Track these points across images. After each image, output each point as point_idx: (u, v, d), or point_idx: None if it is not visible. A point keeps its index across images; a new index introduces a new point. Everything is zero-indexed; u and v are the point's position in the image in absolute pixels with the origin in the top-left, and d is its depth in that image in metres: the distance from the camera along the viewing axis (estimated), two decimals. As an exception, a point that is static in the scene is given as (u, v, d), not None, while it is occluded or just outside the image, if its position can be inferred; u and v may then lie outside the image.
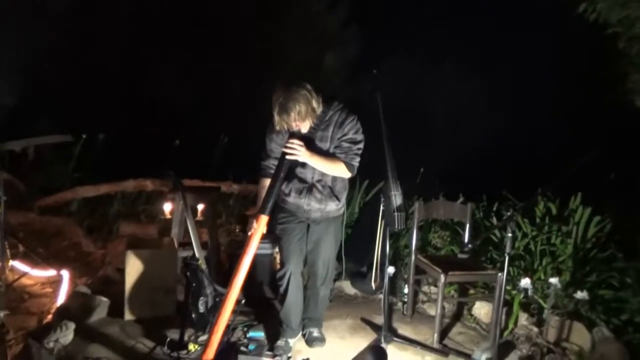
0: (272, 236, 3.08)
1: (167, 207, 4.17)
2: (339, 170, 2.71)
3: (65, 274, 3.78)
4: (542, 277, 3.49)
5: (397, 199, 2.64)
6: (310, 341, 3.00)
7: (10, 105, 3.43)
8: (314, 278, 2.96)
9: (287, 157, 2.55)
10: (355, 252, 3.95)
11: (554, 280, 3.15)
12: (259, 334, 3.08)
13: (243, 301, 3.38)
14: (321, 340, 3.02)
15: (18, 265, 3.84)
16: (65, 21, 7.68)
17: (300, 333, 3.06)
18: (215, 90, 8.18)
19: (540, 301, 3.33)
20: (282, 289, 2.89)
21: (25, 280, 3.78)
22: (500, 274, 3.02)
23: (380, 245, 3.03)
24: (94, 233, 4.87)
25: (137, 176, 5.21)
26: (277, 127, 2.62)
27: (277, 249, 2.93)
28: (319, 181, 2.77)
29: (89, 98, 7.35)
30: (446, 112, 9.32)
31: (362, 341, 3.11)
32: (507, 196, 4.35)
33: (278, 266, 2.99)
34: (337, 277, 4.07)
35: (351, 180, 3.89)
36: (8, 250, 3.61)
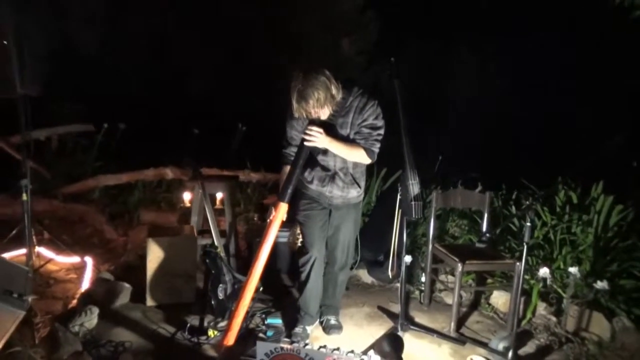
0: (292, 224, 3.10)
1: (187, 195, 4.23)
2: (359, 156, 2.68)
3: (89, 260, 3.88)
4: (562, 266, 3.46)
5: (414, 187, 2.64)
6: (327, 328, 3.03)
7: (34, 95, 3.49)
8: (332, 263, 2.98)
9: (306, 143, 2.55)
10: (372, 241, 3.96)
11: (573, 269, 3.11)
12: (277, 321, 3.13)
13: (261, 288, 3.42)
14: (338, 327, 3.05)
15: (44, 251, 3.94)
16: (89, 10, 7.81)
17: (318, 321, 3.09)
18: (234, 79, 8.21)
19: (559, 290, 3.31)
20: (303, 275, 2.90)
21: (50, 266, 3.88)
22: (518, 264, 3.00)
23: (397, 234, 3.03)
24: (115, 220, 4.97)
25: (157, 165, 5.29)
26: (296, 115, 2.61)
27: (298, 236, 2.95)
28: (341, 169, 2.77)
29: (112, 88, 7.46)
30: (464, 99, 9.20)
31: (379, 329, 3.14)
32: (527, 184, 4.31)
33: (299, 253, 3.01)
34: (354, 266, 4.09)
35: (369, 168, 3.88)
36: (34, 237, 3.71)
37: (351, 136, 2.68)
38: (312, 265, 2.86)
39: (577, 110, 8.03)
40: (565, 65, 8.61)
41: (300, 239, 2.91)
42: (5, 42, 3.21)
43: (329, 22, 8.49)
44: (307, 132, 2.53)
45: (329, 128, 2.62)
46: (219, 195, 4.06)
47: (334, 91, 2.57)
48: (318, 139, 2.53)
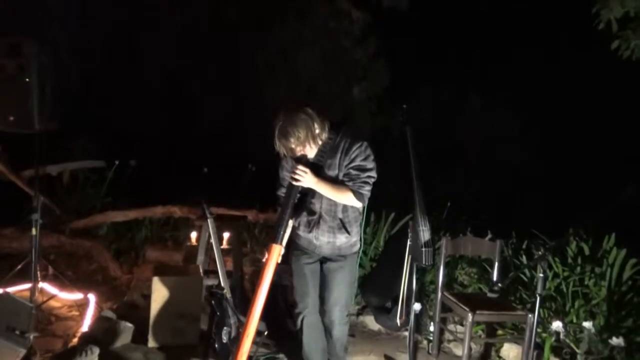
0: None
1: (194, 234, 4.22)
2: (347, 199, 2.59)
3: (92, 297, 3.84)
4: (575, 320, 3.37)
5: (425, 234, 2.62)
6: None
7: (52, 130, 3.56)
8: (328, 319, 2.81)
9: (293, 182, 2.51)
10: (379, 287, 3.90)
11: (587, 324, 3.03)
12: (281, 367, 3.04)
13: (265, 332, 3.35)
14: None
15: (47, 287, 3.91)
16: (102, 46, 8.07)
17: None
18: (245, 119, 8.34)
19: (573, 345, 3.21)
20: (299, 328, 2.83)
21: (52, 303, 3.84)
22: (530, 315, 2.93)
23: (406, 281, 2.98)
24: (121, 257, 4.94)
25: (165, 202, 5.29)
26: (281, 154, 2.58)
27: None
28: (327, 211, 2.67)
29: (124, 125, 7.61)
30: (475, 147, 9.26)
31: (385, 379, 3.04)
32: (537, 234, 4.26)
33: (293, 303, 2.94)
34: (361, 312, 4.01)
35: (376, 213, 3.86)
36: (38, 272, 3.68)
37: (340, 177, 2.62)
38: (302, 322, 2.79)
39: (587, 159, 8.06)
40: (578, 116, 8.72)
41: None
42: (28, 79, 3.30)
43: (340, 68, 8.69)
44: (294, 171, 2.51)
45: (317, 169, 2.57)
46: (226, 235, 4.05)
47: (316, 130, 2.53)
48: (304, 178, 2.48)
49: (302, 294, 2.78)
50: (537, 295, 2.52)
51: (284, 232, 2.56)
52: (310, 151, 2.59)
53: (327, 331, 2.87)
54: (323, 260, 2.77)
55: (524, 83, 9.38)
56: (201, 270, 3.65)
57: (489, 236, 3.62)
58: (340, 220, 2.67)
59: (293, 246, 2.84)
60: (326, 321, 2.84)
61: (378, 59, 8.80)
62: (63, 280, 3.99)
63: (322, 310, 2.82)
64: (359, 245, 2.80)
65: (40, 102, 3.40)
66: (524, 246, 4.29)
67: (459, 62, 9.64)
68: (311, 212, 2.70)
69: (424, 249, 2.60)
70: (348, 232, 2.69)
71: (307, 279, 2.77)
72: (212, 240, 3.22)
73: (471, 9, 9.58)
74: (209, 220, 3.23)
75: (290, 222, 2.68)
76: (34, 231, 3.49)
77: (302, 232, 2.76)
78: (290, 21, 8.46)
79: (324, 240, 2.70)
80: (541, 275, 2.50)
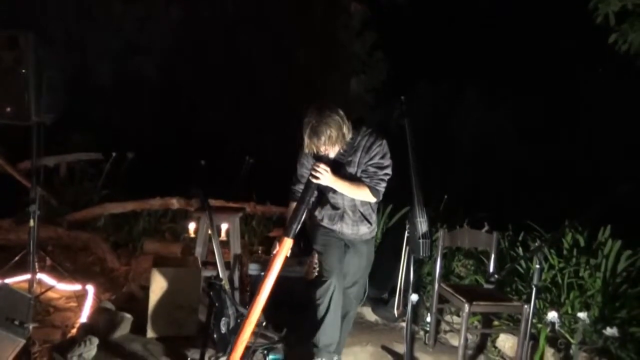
0: (305, 257, 3.11)
1: (192, 226, 4.23)
2: (364, 195, 2.72)
3: (90, 288, 3.85)
4: (570, 311, 3.40)
5: (422, 226, 2.63)
6: None
7: (47, 123, 3.55)
8: (347, 299, 2.91)
9: (312, 180, 2.57)
10: (377, 278, 3.91)
11: (582, 315, 3.06)
12: (278, 357, 3.06)
13: (264, 323, 3.37)
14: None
15: (45, 278, 3.91)
16: (100, 39, 8.03)
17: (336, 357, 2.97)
18: (244, 112, 8.34)
19: (568, 336, 3.24)
20: (322, 307, 2.74)
21: (51, 294, 3.85)
22: (526, 306, 2.96)
23: (404, 272, 3.00)
24: (119, 249, 4.95)
25: (163, 194, 5.30)
26: (307, 150, 2.65)
27: (315, 266, 2.88)
28: (350, 207, 2.80)
29: (122, 118, 7.59)
30: (472, 140, 9.28)
31: (382, 370, 3.07)
32: (533, 226, 4.28)
33: (314, 284, 2.89)
34: (360, 302, 4.03)
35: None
36: (36, 263, 3.69)
37: (358, 174, 2.72)
38: (332, 295, 2.75)
39: (584, 154, 8.10)
40: (573, 112, 8.74)
41: (317, 269, 2.86)
42: (24, 70, 3.29)
43: (338, 62, 8.68)
44: (314, 169, 2.56)
45: (336, 166, 2.66)
46: (224, 227, 4.06)
47: (345, 131, 2.62)
48: (324, 176, 2.55)
49: (331, 268, 2.76)
50: (532, 286, 2.54)
51: (297, 226, 2.60)
52: (334, 150, 2.66)
53: (343, 306, 2.89)
54: (347, 243, 2.89)
55: (522, 78, 9.39)
56: (199, 262, 3.66)
57: (486, 228, 3.64)
58: (361, 213, 2.83)
59: (318, 229, 2.89)
60: (344, 297, 2.90)
61: (376, 53, 8.79)
62: (61, 271, 4.00)
63: (344, 292, 2.89)
64: (376, 230, 3.00)
65: (37, 94, 3.39)
66: (520, 238, 4.32)
67: (457, 57, 9.64)
68: (334, 207, 2.82)
69: (421, 241, 2.62)
70: (370, 223, 2.87)
71: (335, 254, 2.81)
72: (210, 232, 3.24)
73: (470, 3, 9.57)
74: (207, 212, 3.24)
75: (303, 217, 2.69)
76: (31, 223, 3.49)
77: (325, 224, 2.86)
78: (289, 14, 8.44)
79: (348, 232, 2.84)
80: (537, 266, 2.52)
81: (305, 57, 8.44)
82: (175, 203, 5.27)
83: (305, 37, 8.44)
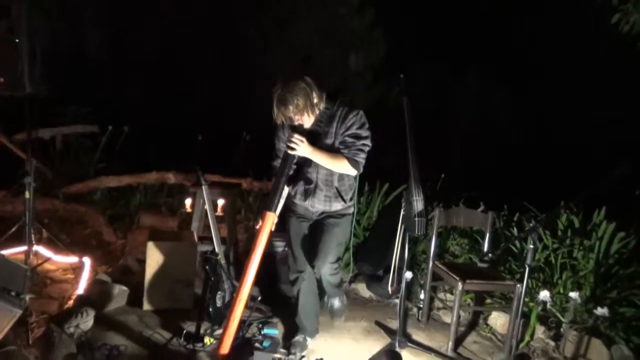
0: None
1: (188, 201, 4.22)
2: (343, 166, 2.63)
3: (87, 261, 3.86)
4: (562, 290, 3.44)
5: (418, 204, 2.64)
6: (332, 313, 3.20)
7: (42, 95, 3.50)
8: (318, 273, 2.88)
9: (289, 151, 2.53)
10: (372, 255, 3.95)
11: (574, 294, 3.10)
12: (274, 331, 3.10)
13: (259, 298, 3.40)
14: (342, 310, 3.24)
15: (42, 250, 3.92)
16: (100, 12, 7.90)
17: (318, 334, 3.08)
18: (242, 89, 8.26)
19: (559, 315, 3.29)
20: (295, 293, 2.91)
21: (47, 266, 3.86)
22: (519, 285, 2.99)
23: (399, 250, 3.02)
24: (115, 223, 4.95)
25: (160, 169, 5.28)
26: (278, 121, 2.61)
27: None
28: (324, 181, 2.73)
29: (118, 91, 7.51)
30: (470, 120, 9.25)
31: (375, 344, 3.12)
32: (529, 207, 4.30)
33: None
34: (353, 279, 4.07)
35: (371, 183, 3.84)
36: (33, 235, 3.69)
37: (336, 145, 2.66)
38: (301, 284, 2.85)
39: (582, 136, 8.09)
40: (574, 94, 8.69)
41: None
42: (17, 40, 3.23)
43: (337, 37, 8.56)
44: (290, 139, 2.52)
45: (313, 137, 2.60)
46: (220, 202, 4.05)
47: (314, 99, 2.56)
48: (300, 147, 2.51)
49: (298, 258, 2.84)
50: (526, 266, 2.57)
51: (279, 200, 2.60)
52: (308, 120, 2.61)
53: (319, 282, 2.96)
54: (319, 218, 2.84)
55: (521, 59, 9.31)
56: (195, 237, 3.68)
57: (482, 208, 3.66)
58: (337, 189, 2.75)
59: (290, 213, 2.88)
60: (317, 275, 2.92)
61: (375, 29, 8.67)
62: (57, 243, 4.01)
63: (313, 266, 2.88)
64: (353, 209, 2.90)
65: (31, 64, 3.34)
66: (515, 218, 4.35)
67: (457, 37, 9.53)
68: (308, 181, 2.76)
69: (417, 219, 2.63)
70: (344, 200, 2.79)
71: (303, 244, 2.83)
72: (207, 207, 3.24)
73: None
74: (203, 187, 3.24)
75: (286, 191, 2.71)
76: (27, 194, 3.48)
77: (298, 200, 2.82)
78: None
79: (320, 207, 2.79)
80: (531, 246, 2.54)
81: (303, 32, 8.33)
82: (171, 177, 5.25)
83: (303, 11, 8.31)
